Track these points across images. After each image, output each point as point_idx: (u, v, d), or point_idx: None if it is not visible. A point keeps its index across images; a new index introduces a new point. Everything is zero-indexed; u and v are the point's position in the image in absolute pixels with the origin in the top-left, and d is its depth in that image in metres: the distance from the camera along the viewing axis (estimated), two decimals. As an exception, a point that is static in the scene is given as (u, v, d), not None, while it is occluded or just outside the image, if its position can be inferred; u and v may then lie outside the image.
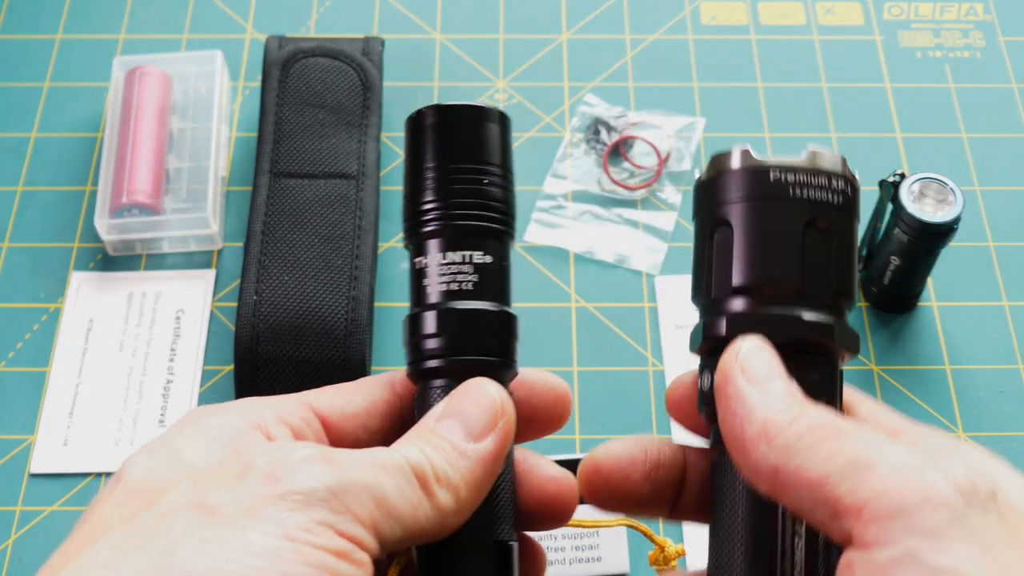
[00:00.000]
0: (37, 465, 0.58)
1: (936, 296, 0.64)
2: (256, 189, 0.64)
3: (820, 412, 0.29)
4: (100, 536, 0.27)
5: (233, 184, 0.68)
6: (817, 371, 0.31)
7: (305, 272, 0.61)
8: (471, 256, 0.33)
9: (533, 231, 0.66)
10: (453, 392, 0.32)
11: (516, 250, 0.66)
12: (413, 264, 0.34)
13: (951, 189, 0.59)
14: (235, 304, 0.62)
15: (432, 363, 0.33)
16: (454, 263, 0.33)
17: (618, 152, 0.68)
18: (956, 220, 0.58)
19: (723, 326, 0.31)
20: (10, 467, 0.58)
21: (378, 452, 0.30)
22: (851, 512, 0.27)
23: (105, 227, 0.63)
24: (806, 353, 0.31)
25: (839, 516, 0.27)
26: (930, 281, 0.64)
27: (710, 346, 0.32)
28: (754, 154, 0.32)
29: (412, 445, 0.30)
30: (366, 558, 0.28)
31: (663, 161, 0.68)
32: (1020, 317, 0.63)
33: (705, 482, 0.34)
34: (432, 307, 0.33)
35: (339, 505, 0.27)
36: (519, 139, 0.69)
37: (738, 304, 0.31)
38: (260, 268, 0.61)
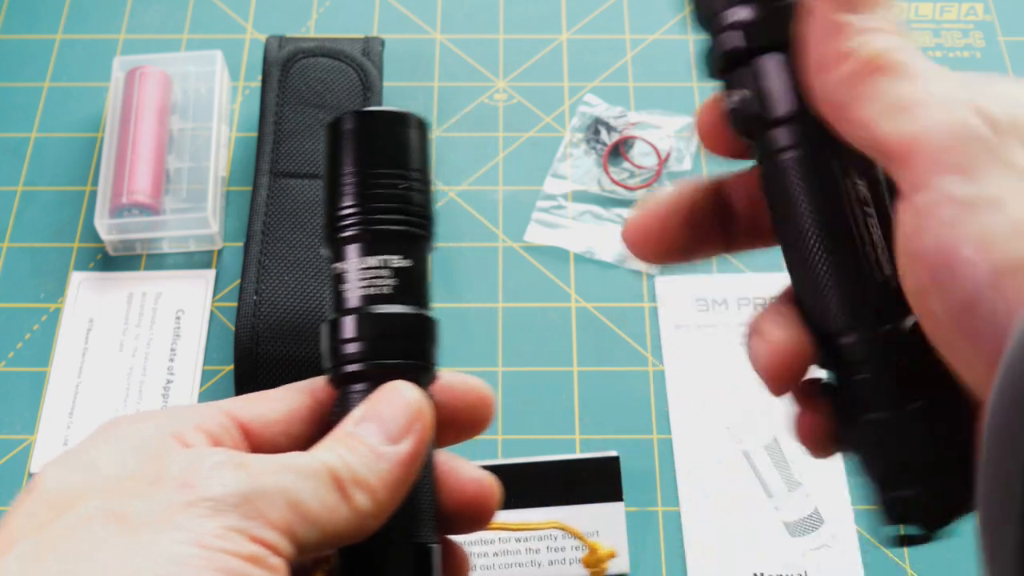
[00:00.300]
0: (37, 465, 0.58)
1: (936, 296, 0.64)
2: (256, 189, 0.64)
3: (879, 43, 0.29)
4: (10, 548, 0.27)
5: (233, 184, 0.68)
6: None
7: (305, 272, 0.61)
8: (389, 260, 0.33)
9: (533, 231, 0.66)
10: (371, 396, 0.32)
11: (515, 250, 0.66)
12: (332, 269, 0.34)
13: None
14: (235, 304, 0.62)
15: (351, 367, 0.33)
16: (372, 267, 0.33)
17: (618, 152, 0.68)
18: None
19: (739, 38, 0.32)
20: (10, 467, 0.58)
21: (293, 456, 0.30)
22: (896, 158, 0.27)
23: (105, 227, 0.63)
24: None
25: (890, 161, 0.27)
26: (930, 281, 0.64)
27: (727, 62, 0.32)
28: None
29: (329, 449, 0.30)
30: (280, 563, 0.27)
31: (663, 161, 0.68)
32: None
33: (755, 205, 0.34)
34: (350, 311, 0.33)
35: (251, 510, 0.27)
36: (519, 139, 0.69)
37: (744, 12, 0.32)
38: (260, 268, 0.61)
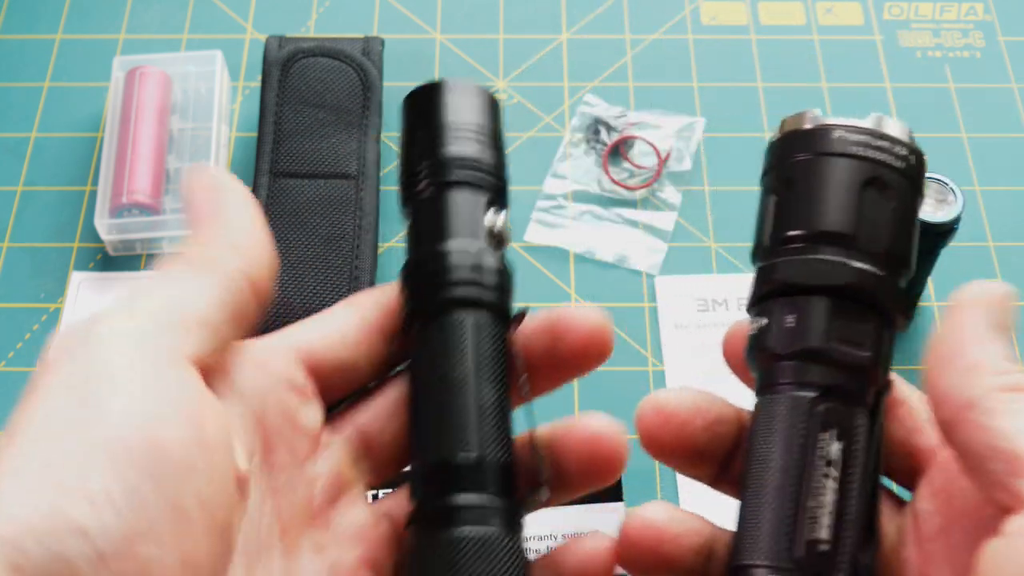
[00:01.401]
0: (37, 465, 0.58)
1: (936, 296, 0.64)
2: (256, 189, 0.64)
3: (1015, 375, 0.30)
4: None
5: (233, 184, 0.68)
6: (868, 323, 0.32)
7: (305, 272, 0.61)
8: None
9: (533, 231, 0.66)
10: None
11: (515, 249, 0.66)
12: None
13: (951, 189, 0.59)
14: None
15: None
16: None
17: (618, 152, 0.68)
18: (956, 220, 0.58)
19: (777, 269, 0.33)
20: (10, 467, 0.58)
21: None
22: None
23: (105, 227, 0.63)
24: (855, 301, 0.32)
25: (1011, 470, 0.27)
26: (930, 281, 0.64)
27: (763, 292, 0.33)
28: (820, 115, 0.34)
29: None
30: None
31: (663, 161, 0.68)
32: (1021, 317, 0.63)
33: None
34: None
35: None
36: (519, 139, 0.69)
37: (790, 252, 0.33)
38: (260, 268, 0.61)
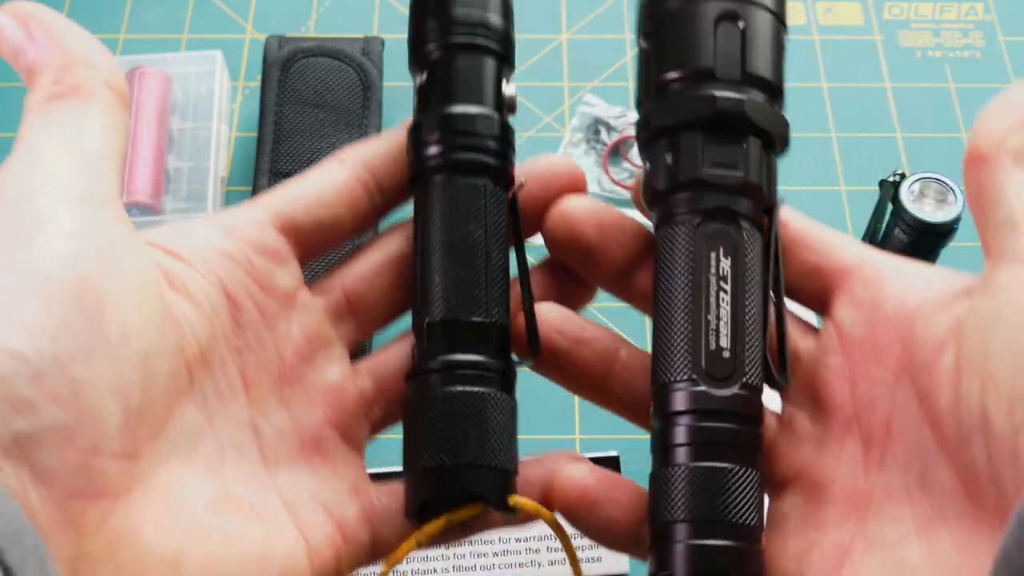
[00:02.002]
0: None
1: (936, 296, 0.64)
2: (256, 189, 0.64)
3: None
4: None
5: (233, 184, 0.68)
6: (737, 145, 0.35)
7: (305, 272, 0.61)
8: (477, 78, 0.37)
9: (533, 231, 0.66)
10: None
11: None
12: (419, 79, 0.37)
13: (951, 189, 0.59)
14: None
15: (433, 162, 0.36)
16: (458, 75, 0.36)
17: (618, 152, 0.68)
18: (956, 220, 0.58)
19: (652, 112, 0.36)
20: (10, 467, 0.58)
21: None
22: None
23: (105, 227, 0.63)
24: (723, 128, 0.35)
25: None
26: (930, 281, 0.64)
27: (644, 139, 0.36)
28: None
29: None
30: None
31: (663, 161, 0.68)
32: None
33: None
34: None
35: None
36: (519, 139, 0.68)
37: (659, 97, 0.35)
38: (260, 268, 0.61)
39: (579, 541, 0.55)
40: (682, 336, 0.34)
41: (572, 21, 0.75)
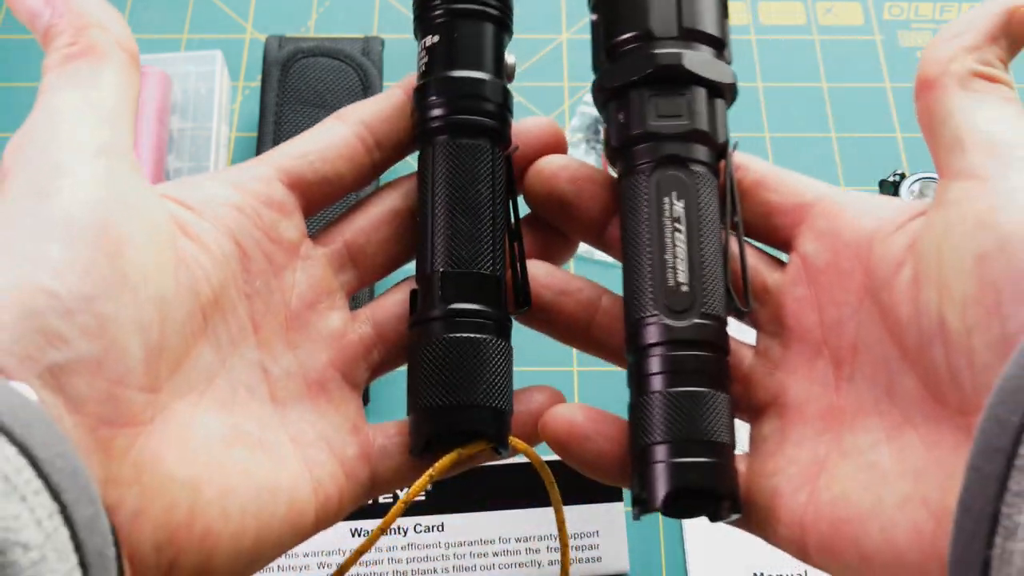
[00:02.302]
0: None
1: (936, 296, 0.64)
2: (256, 189, 0.64)
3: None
4: None
5: (233, 184, 0.68)
6: (680, 96, 0.37)
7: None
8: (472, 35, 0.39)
9: (533, 231, 0.66)
10: None
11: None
12: (423, 43, 0.40)
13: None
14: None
15: (435, 123, 0.38)
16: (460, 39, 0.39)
17: (618, 152, 0.68)
18: (956, 220, 0.58)
19: (603, 75, 0.39)
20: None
21: None
22: (980, 147, 0.32)
23: (105, 227, 0.63)
24: (667, 82, 0.38)
25: (970, 146, 0.33)
26: (930, 281, 0.64)
27: (601, 102, 0.40)
28: None
29: None
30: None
31: (663, 161, 0.68)
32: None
33: None
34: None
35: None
36: (519, 139, 0.69)
37: (609, 61, 0.39)
38: (260, 268, 0.61)
39: (577, 541, 0.55)
40: (645, 276, 0.36)
41: (572, 21, 0.75)
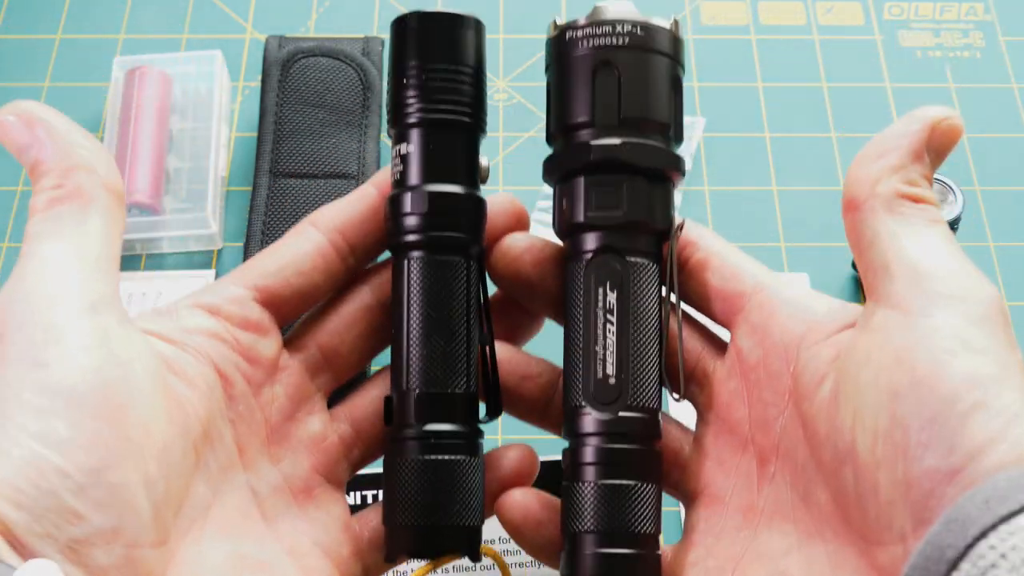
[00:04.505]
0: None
1: (936, 296, 0.64)
2: (256, 189, 0.64)
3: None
4: None
5: (233, 184, 0.68)
6: (619, 186, 0.37)
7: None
8: (447, 147, 0.39)
9: (533, 231, 0.65)
10: None
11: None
12: (396, 151, 0.39)
13: (951, 189, 0.59)
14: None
15: (411, 237, 0.38)
16: (432, 150, 0.39)
17: (618, 152, 0.68)
18: (956, 220, 0.58)
19: (547, 164, 0.40)
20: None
21: None
22: (907, 277, 0.33)
23: (105, 227, 0.63)
24: (605, 171, 0.38)
25: (895, 272, 0.33)
26: (930, 281, 0.64)
27: (550, 182, 0.40)
28: (570, 19, 0.39)
29: None
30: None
31: (663, 161, 0.68)
32: (1020, 317, 0.63)
33: None
34: (412, 188, 0.38)
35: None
36: (519, 139, 0.69)
37: (560, 145, 0.39)
38: (260, 268, 0.61)
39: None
40: (576, 366, 0.38)
41: (572, 21, 0.75)
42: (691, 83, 0.72)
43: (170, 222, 0.64)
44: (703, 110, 0.71)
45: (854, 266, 0.63)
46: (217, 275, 0.64)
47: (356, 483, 0.52)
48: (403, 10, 0.75)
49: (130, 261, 0.65)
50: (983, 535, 0.26)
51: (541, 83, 0.41)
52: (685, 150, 0.69)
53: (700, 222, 0.68)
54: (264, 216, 0.63)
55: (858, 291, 0.63)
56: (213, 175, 0.65)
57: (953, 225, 0.58)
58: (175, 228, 0.64)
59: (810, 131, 0.70)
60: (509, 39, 0.74)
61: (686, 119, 0.70)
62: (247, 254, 0.62)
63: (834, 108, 0.71)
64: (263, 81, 0.68)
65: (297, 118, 0.66)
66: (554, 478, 0.40)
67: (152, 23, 0.74)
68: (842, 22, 0.76)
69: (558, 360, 0.40)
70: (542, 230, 0.66)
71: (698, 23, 0.75)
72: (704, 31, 0.75)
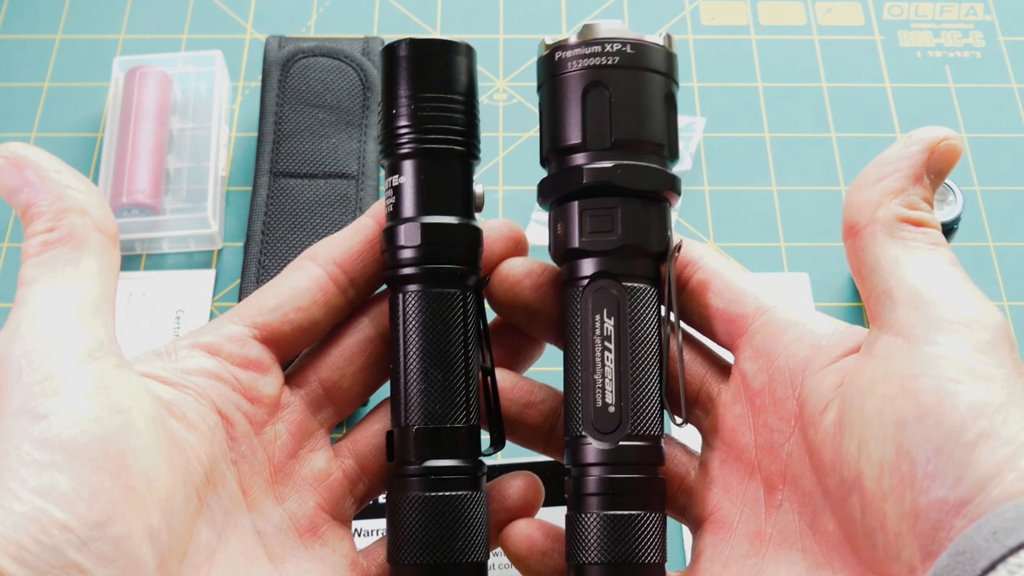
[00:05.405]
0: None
1: (936, 296, 0.64)
2: (256, 189, 0.64)
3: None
4: None
5: (233, 184, 0.68)
6: (612, 209, 0.37)
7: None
8: (441, 175, 0.38)
9: (533, 231, 0.66)
10: None
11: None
12: (390, 182, 0.39)
13: (951, 189, 0.59)
14: (235, 304, 0.62)
15: (407, 270, 0.37)
16: (425, 181, 0.38)
17: (618, 152, 0.68)
18: (956, 220, 0.58)
19: (540, 187, 0.39)
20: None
21: None
22: (911, 303, 0.32)
23: (105, 227, 0.63)
24: (598, 195, 0.37)
25: (899, 298, 0.32)
26: (930, 281, 0.64)
27: (544, 205, 0.39)
28: (557, 40, 0.38)
29: None
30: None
31: (663, 161, 0.68)
32: (1020, 317, 0.63)
33: None
34: (407, 220, 0.38)
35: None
36: (519, 139, 0.69)
37: (553, 167, 0.39)
38: (260, 268, 0.61)
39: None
40: (576, 395, 0.37)
41: (572, 21, 0.75)
42: (691, 83, 0.72)
43: (170, 222, 0.64)
44: (703, 110, 0.71)
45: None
46: (217, 275, 0.65)
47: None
48: (403, 10, 0.76)
49: (130, 261, 0.65)
50: (991, 567, 0.26)
51: (541, 83, 0.41)
52: (685, 150, 0.69)
53: (700, 222, 0.69)
54: (264, 216, 0.63)
55: (858, 291, 0.63)
56: (213, 175, 0.65)
57: (953, 225, 0.58)
58: (175, 228, 0.64)
59: (810, 131, 0.70)
60: (509, 39, 0.74)
61: (686, 119, 0.70)
62: (247, 254, 0.62)
63: (834, 108, 0.71)
64: (263, 81, 0.68)
65: (297, 118, 0.66)
66: (551, 479, 0.40)
67: (152, 23, 0.74)
68: (842, 22, 0.76)
69: (560, 385, 0.40)
70: (542, 230, 0.66)
71: (698, 23, 0.75)
72: (704, 31, 0.75)
